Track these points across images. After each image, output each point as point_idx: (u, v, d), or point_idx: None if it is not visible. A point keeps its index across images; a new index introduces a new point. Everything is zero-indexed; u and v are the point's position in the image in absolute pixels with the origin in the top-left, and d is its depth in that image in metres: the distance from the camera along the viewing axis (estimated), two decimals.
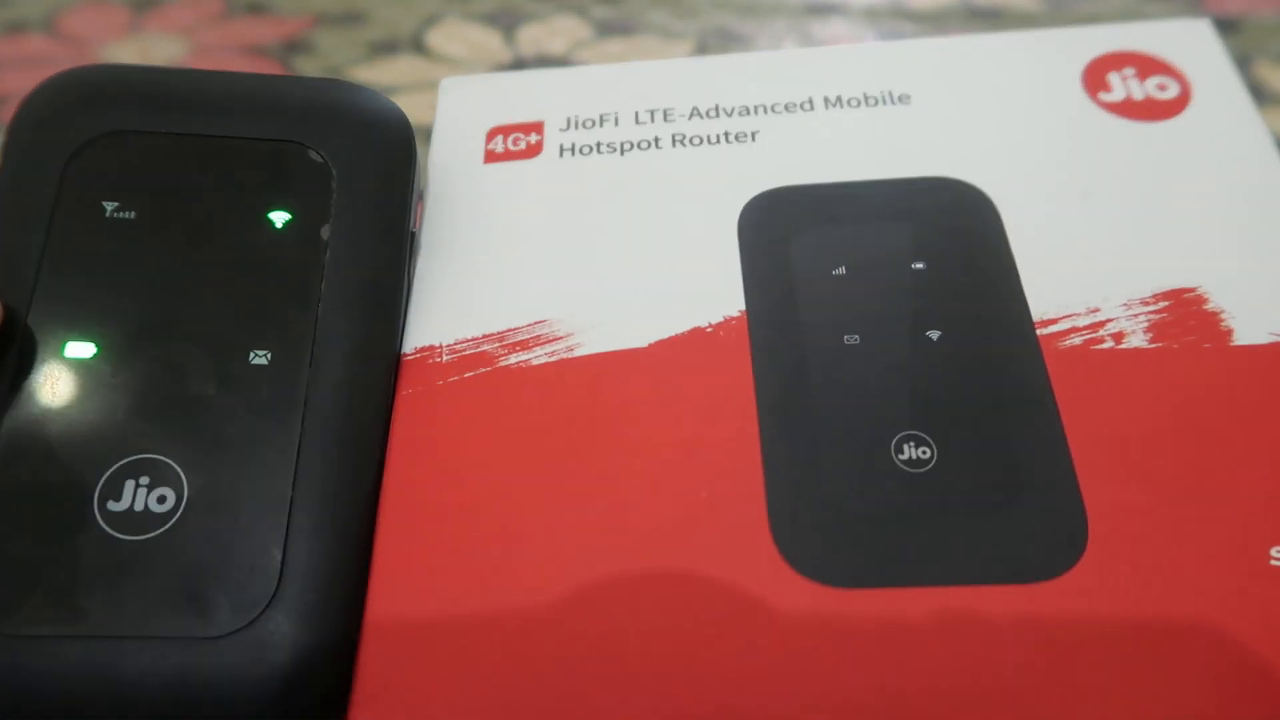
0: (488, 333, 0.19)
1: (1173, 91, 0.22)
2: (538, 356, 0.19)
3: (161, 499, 0.16)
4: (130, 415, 0.17)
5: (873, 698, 0.15)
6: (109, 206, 0.18)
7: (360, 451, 0.18)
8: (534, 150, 0.22)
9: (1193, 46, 0.22)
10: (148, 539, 0.16)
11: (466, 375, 0.19)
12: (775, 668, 0.16)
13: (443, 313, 0.20)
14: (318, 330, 0.18)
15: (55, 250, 0.18)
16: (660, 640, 0.16)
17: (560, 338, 0.19)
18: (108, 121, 0.19)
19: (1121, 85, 0.22)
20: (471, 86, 0.24)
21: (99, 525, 0.16)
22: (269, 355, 0.17)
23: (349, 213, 0.19)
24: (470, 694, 0.16)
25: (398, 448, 0.18)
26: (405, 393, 0.19)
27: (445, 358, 0.19)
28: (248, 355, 0.17)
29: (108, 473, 0.16)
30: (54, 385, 0.17)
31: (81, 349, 0.17)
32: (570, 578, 0.17)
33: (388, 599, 0.17)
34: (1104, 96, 0.22)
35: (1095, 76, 0.22)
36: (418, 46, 0.35)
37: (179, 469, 0.17)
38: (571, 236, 0.21)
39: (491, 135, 0.23)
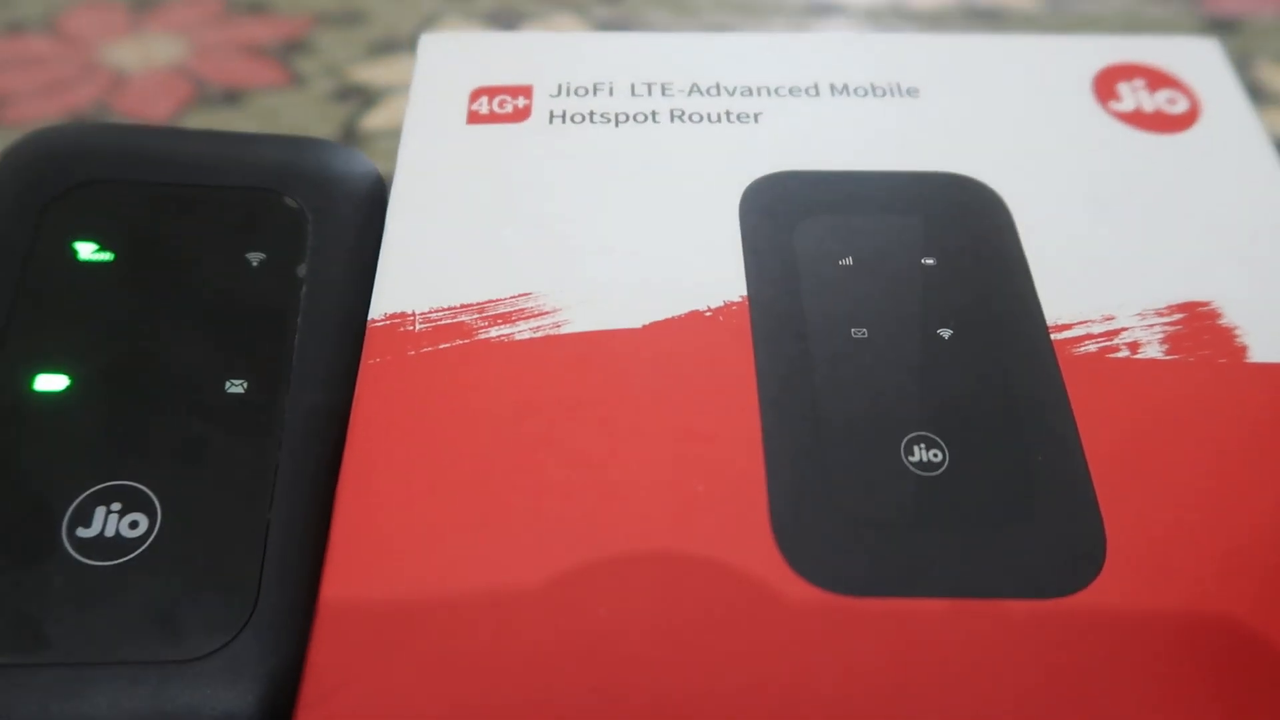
0: (466, 302, 0.18)
1: (1182, 106, 0.21)
2: (521, 331, 0.17)
3: (133, 524, 0.16)
4: (100, 443, 0.16)
5: (876, 711, 0.14)
6: (85, 249, 0.18)
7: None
8: (521, 114, 0.21)
9: (1201, 65, 0.22)
10: (118, 564, 0.15)
11: (441, 346, 0.17)
12: (774, 676, 0.14)
13: (416, 278, 0.18)
14: (295, 360, 0.17)
15: (29, 289, 0.18)
16: (649, 642, 0.14)
17: (546, 312, 0.18)
18: (86, 171, 0.19)
19: (1132, 95, 0.21)
20: (454, 44, 0.22)
21: (66, 552, 0.15)
22: (245, 385, 0.17)
23: (323, 253, 0.19)
24: (433, 694, 0.14)
25: (361, 420, 0.16)
26: (371, 362, 0.17)
27: (418, 326, 0.17)
28: (223, 384, 0.17)
29: (76, 500, 0.16)
30: (19, 414, 0.16)
31: (53, 381, 0.17)
32: (550, 574, 0.15)
33: (342, 587, 0.15)
34: (1114, 105, 0.21)
35: (1105, 85, 0.22)
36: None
37: (151, 494, 0.16)
38: (561, 206, 0.19)
39: (475, 96, 0.21)
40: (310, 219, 0.19)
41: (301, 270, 0.19)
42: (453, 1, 0.35)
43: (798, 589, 0.15)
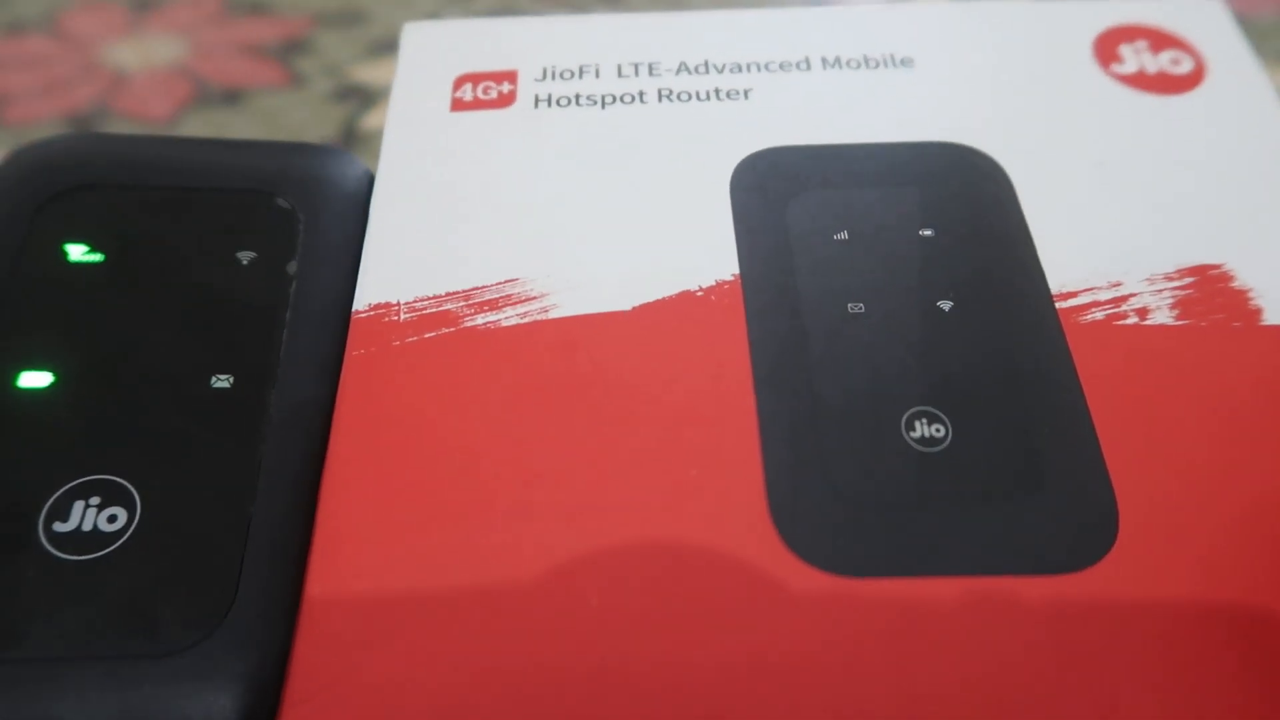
0: (451, 290, 0.17)
1: (1186, 67, 0.21)
2: (508, 317, 0.17)
3: (112, 518, 0.15)
4: (81, 437, 0.16)
5: (882, 695, 0.14)
6: (76, 251, 0.18)
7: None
8: (506, 100, 0.20)
9: (1205, 23, 0.21)
10: (93, 558, 0.15)
11: (426, 336, 0.17)
12: (775, 662, 0.14)
13: (401, 267, 0.18)
14: (283, 355, 0.17)
15: (18, 288, 0.18)
16: (643, 633, 0.14)
17: (533, 298, 0.17)
18: (80, 176, 0.19)
19: (1134, 58, 0.21)
20: (437, 32, 0.22)
21: (42, 546, 0.15)
22: (231, 379, 0.17)
23: (315, 252, 0.19)
24: (422, 690, 0.14)
25: (345, 412, 0.16)
26: (355, 353, 0.17)
27: (403, 316, 0.17)
28: (209, 379, 0.17)
29: (55, 494, 0.16)
30: (2, 408, 0.16)
31: (37, 377, 0.17)
32: (540, 565, 0.14)
33: (327, 582, 0.14)
34: (1116, 68, 0.21)
35: (1106, 48, 0.21)
36: None
37: (131, 488, 0.16)
38: (547, 190, 0.19)
39: (459, 83, 0.21)
40: (302, 219, 0.19)
41: (292, 268, 0.18)
42: (453, 2, 0.34)
43: (797, 572, 0.14)
